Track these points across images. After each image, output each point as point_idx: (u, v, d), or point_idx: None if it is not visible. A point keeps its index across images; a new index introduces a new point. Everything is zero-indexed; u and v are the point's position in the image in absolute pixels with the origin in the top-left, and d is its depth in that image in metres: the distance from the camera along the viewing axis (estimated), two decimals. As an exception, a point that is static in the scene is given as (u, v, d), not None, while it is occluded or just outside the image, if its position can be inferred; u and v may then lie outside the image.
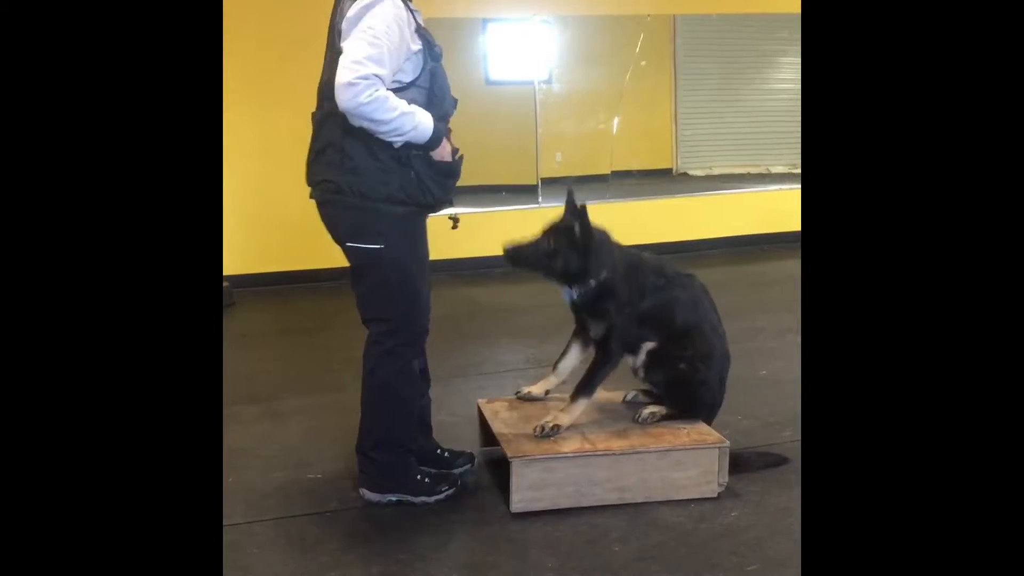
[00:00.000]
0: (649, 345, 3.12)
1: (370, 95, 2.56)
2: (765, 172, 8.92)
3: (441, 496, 3.00)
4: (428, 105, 2.75)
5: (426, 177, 2.76)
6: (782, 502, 2.91)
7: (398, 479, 2.98)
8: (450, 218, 3.10)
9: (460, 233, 3.28)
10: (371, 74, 2.56)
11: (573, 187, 3.05)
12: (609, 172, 8.68)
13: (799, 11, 1.79)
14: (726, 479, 2.96)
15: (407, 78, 2.72)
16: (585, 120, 9.07)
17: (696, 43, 9.36)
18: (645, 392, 3.29)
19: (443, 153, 2.79)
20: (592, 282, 2.98)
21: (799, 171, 9.26)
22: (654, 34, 8.87)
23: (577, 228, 2.95)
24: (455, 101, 2.91)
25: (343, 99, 2.58)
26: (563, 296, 3.09)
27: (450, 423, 3.69)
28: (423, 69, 2.75)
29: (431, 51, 2.76)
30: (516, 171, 7.61)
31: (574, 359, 3.24)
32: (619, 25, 8.36)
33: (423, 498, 2.98)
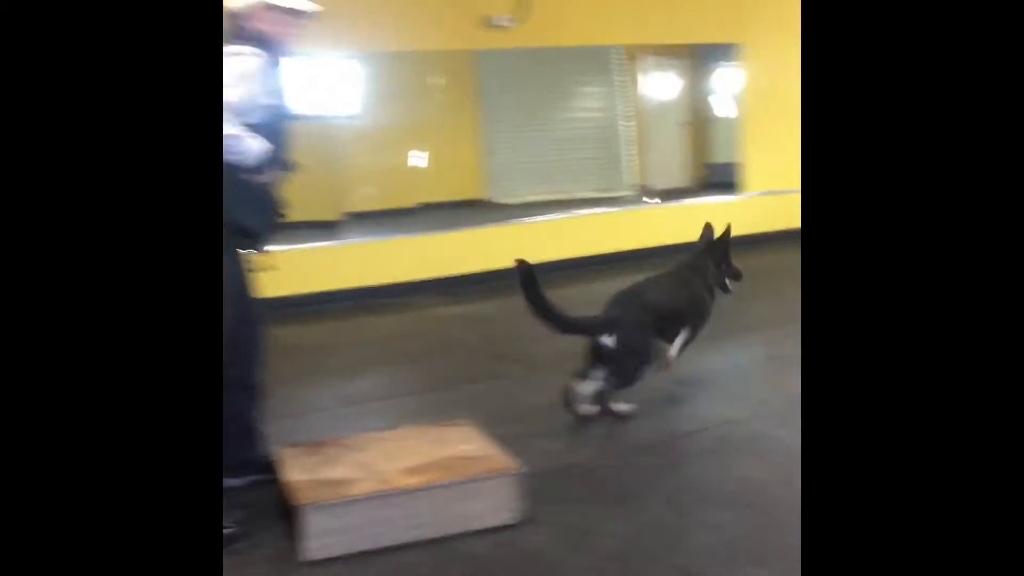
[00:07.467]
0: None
1: None
2: (571, 198, 9.22)
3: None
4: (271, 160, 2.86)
5: (238, 204, 2.73)
6: (578, 522, 2.96)
7: None
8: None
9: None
10: None
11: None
12: (415, 205, 8.74)
13: (597, 44, 1.81)
14: (522, 505, 2.97)
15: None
16: (394, 154, 9.08)
17: (499, 77, 9.62)
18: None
19: (263, 178, 2.86)
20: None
21: (606, 195, 9.65)
22: (455, 69, 9.05)
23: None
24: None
25: None
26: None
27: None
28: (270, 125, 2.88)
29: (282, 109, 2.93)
30: (321, 206, 7.47)
31: None
32: (421, 61, 8.44)
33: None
